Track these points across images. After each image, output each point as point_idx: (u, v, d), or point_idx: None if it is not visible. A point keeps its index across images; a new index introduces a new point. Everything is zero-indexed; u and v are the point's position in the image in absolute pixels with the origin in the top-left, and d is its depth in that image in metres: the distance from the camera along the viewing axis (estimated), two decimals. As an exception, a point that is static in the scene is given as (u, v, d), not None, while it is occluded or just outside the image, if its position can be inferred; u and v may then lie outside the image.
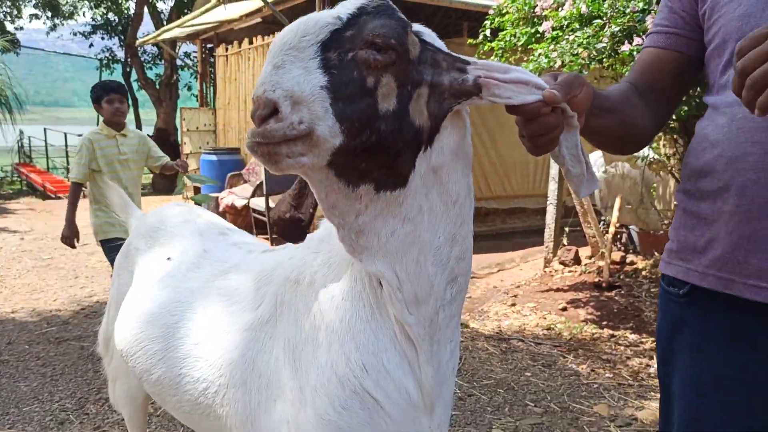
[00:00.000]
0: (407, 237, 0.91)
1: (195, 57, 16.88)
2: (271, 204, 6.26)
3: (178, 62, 15.31)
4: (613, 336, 3.93)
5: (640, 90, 1.13)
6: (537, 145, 0.89)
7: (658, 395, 1.30)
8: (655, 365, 1.30)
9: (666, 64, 1.13)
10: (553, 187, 5.71)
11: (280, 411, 1.10)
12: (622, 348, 3.73)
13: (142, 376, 1.44)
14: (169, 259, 1.54)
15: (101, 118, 3.63)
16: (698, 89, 3.32)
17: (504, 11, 4.33)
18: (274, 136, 0.76)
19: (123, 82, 17.05)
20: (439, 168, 0.90)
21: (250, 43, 8.90)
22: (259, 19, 8.58)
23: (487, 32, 4.53)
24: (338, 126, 0.78)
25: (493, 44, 4.39)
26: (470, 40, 4.95)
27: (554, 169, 5.63)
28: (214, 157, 8.73)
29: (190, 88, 18.81)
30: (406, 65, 0.83)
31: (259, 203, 6.83)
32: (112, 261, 2.96)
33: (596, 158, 5.83)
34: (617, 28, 3.22)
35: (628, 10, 3.18)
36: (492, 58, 4.44)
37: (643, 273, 5.06)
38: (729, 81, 0.98)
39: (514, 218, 8.59)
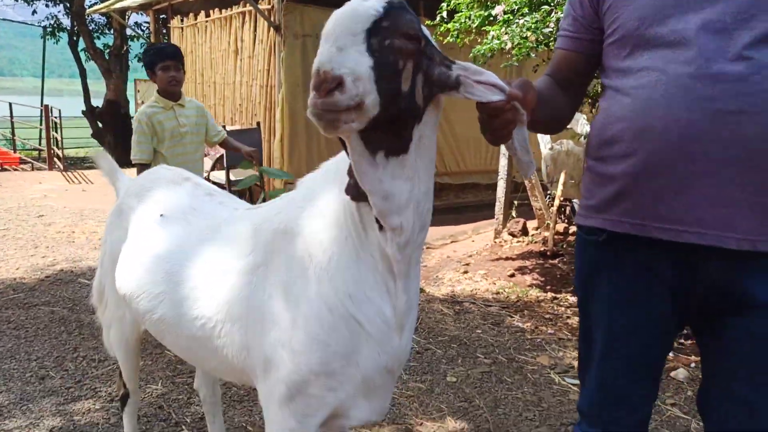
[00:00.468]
0: (410, 194, 1.13)
1: (146, 27, 16.42)
2: (232, 177, 6.36)
3: (129, 32, 14.88)
4: (555, 298, 4.29)
5: (558, 82, 1.42)
6: (497, 137, 1.13)
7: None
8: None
9: (573, 63, 1.41)
10: (503, 163, 6.04)
11: (275, 337, 1.31)
12: (562, 308, 4.10)
13: (144, 316, 1.62)
14: (162, 215, 1.70)
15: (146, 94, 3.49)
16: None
17: (460, -7, 4.55)
18: (339, 106, 0.94)
19: (70, 51, 16.46)
20: (423, 137, 1.12)
21: (207, 15, 8.82)
22: (216, -8, 8.52)
23: (444, 14, 4.75)
24: (378, 99, 0.97)
25: (449, 25, 4.61)
26: (428, 21, 5.16)
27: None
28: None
29: (140, 60, 18.29)
30: (420, 55, 1.05)
31: (219, 176, 6.90)
32: None
33: (544, 137, 6.19)
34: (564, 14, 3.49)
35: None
36: (448, 39, 4.68)
37: (584, 243, 5.47)
38: (630, 68, 1.25)
39: (467, 193, 8.94)
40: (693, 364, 3.16)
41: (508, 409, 2.68)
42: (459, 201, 8.60)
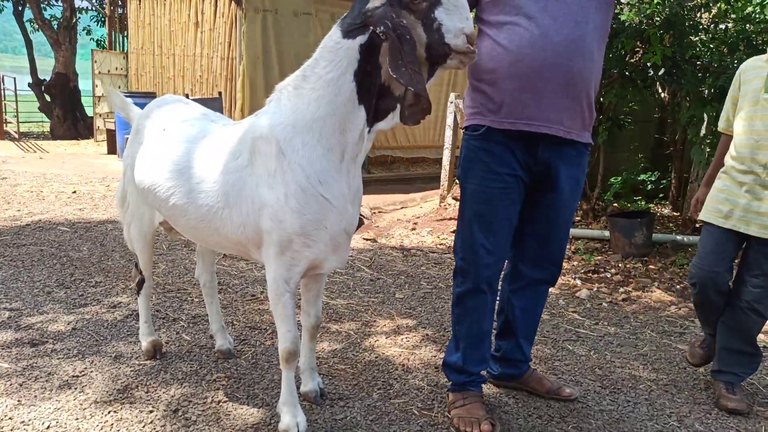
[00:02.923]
0: None
1: (95, -1, 16.16)
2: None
3: (78, 4, 14.66)
4: (490, 246, 4.94)
5: None
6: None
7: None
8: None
9: None
10: (448, 134, 6.65)
11: (265, 213, 1.80)
12: (495, 253, 4.75)
13: (160, 205, 2.11)
14: (164, 129, 2.17)
15: None
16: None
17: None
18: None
19: (15, 21, 16.00)
20: None
21: (167, -12, 9.03)
22: (176, -35, 8.74)
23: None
24: None
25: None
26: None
27: (450, 117, 6.57)
28: (129, 100, 8.85)
29: (89, 32, 17.97)
30: None
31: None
32: None
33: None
34: None
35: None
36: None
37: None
38: (501, 22, 1.92)
39: (417, 166, 9.56)
40: (595, 288, 3.87)
41: (444, 314, 3.29)
42: (409, 173, 9.21)
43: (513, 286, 2.29)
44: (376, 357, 2.68)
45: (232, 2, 7.55)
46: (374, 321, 3.12)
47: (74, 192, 6.20)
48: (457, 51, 1.62)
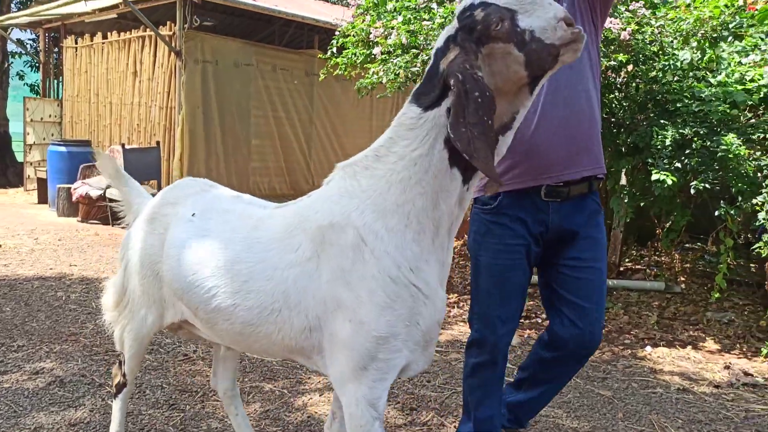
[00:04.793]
0: None
1: (29, 44, 15.83)
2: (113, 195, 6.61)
3: (12, 48, 14.30)
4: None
5: None
6: None
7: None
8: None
9: None
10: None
11: (341, 316, 1.47)
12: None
13: (198, 308, 1.74)
14: (193, 215, 1.82)
15: None
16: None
17: (347, 34, 5.30)
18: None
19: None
20: None
21: (104, 37, 8.97)
22: (114, 15, 8.73)
23: (334, 49, 5.48)
24: None
25: (338, 60, 5.34)
26: (320, 54, 5.86)
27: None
28: (63, 149, 8.58)
29: (22, 77, 17.49)
30: None
31: (116, 193, 7.09)
32: None
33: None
34: (427, 57, 4.31)
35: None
36: (337, 71, 5.41)
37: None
38: None
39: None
40: (526, 335, 4.00)
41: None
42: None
43: (548, 354, 2.19)
44: (308, 417, 2.67)
45: (172, 53, 7.57)
46: (308, 378, 3.12)
47: (-1, 246, 5.95)
48: (564, 43, 1.37)
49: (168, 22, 7.65)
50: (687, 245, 6.03)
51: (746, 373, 3.34)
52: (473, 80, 1.34)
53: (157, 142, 7.77)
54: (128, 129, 8.71)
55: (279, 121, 8.51)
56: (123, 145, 7.64)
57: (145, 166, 7.25)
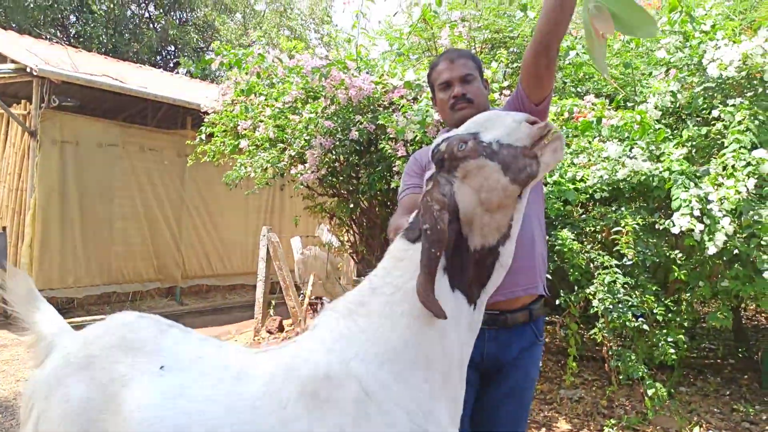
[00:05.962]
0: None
1: None
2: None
3: None
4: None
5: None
6: None
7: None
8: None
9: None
10: (262, 266, 6.71)
11: None
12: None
13: None
14: (162, 367, 1.48)
15: None
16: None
17: (216, 123, 5.30)
18: None
19: None
20: None
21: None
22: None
23: (203, 136, 5.45)
24: None
25: (206, 148, 5.30)
26: (188, 141, 5.79)
27: (262, 250, 6.65)
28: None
29: None
30: None
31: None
32: None
33: (296, 243, 7.09)
34: (294, 153, 4.41)
35: (301, 141, 4.40)
36: (205, 158, 5.37)
37: (330, 335, 6.30)
38: None
39: (234, 294, 9.36)
40: None
41: None
42: (226, 302, 8.97)
43: None
44: None
45: (25, 132, 7.08)
46: None
47: None
48: (535, 140, 1.38)
49: (23, 101, 7.20)
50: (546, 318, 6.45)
51: (593, 453, 3.57)
52: (428, 213, 1.35)
53: (3, 228, 7.10)
54: (-30, 211, 7.89)
55: (146, 203, 8.15)
56: (-38, 231, 6.89)
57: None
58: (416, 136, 3.56)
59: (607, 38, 1.30)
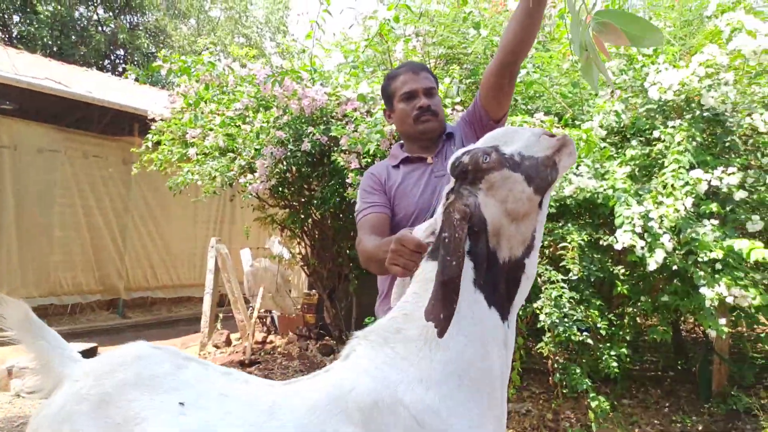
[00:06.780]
0: None
1: None
2: None
3: None
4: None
5: (382, 235, 1.88)
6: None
7: None
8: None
9: (384, 221, 1.92)
10: (209, 278, 6.52)
11: None
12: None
13: None
14: (182, 404, 1.39)
15: None
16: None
17: (163, 131, 5.16)
18: None
19: None
20: None
21: None
22: None
23: (150, 144, 5.28)
24: None
25: (153, 156, 5.15)
26: (134, 149, 5.60)
27: (210, 261, 6.48)
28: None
29: None
30: None
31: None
32: None
33: (245, 255, 6.93)
34: (244, 162, 4.33)
35: (251, 151, 4.33)
36: (152, 166, 5.20)
37: (279, 350, 6.17)
38: None
39: (181, 306, 9.08)
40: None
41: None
42: (171, 315, 8.69)
43: None
44: None
45: (-42, 135, 6.71)
46: None
47: None
48: (555, 150, 1.43)
49: (-44, 102, 6.83)
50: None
51: (539, 466, 3.60)
52: (448, 222, 1.36)
53: (-69, 235, 6.68)
54: None
55: (89, 211, 7.82)
56: None
57: None
58: (368, 149, 3.55)
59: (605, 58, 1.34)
